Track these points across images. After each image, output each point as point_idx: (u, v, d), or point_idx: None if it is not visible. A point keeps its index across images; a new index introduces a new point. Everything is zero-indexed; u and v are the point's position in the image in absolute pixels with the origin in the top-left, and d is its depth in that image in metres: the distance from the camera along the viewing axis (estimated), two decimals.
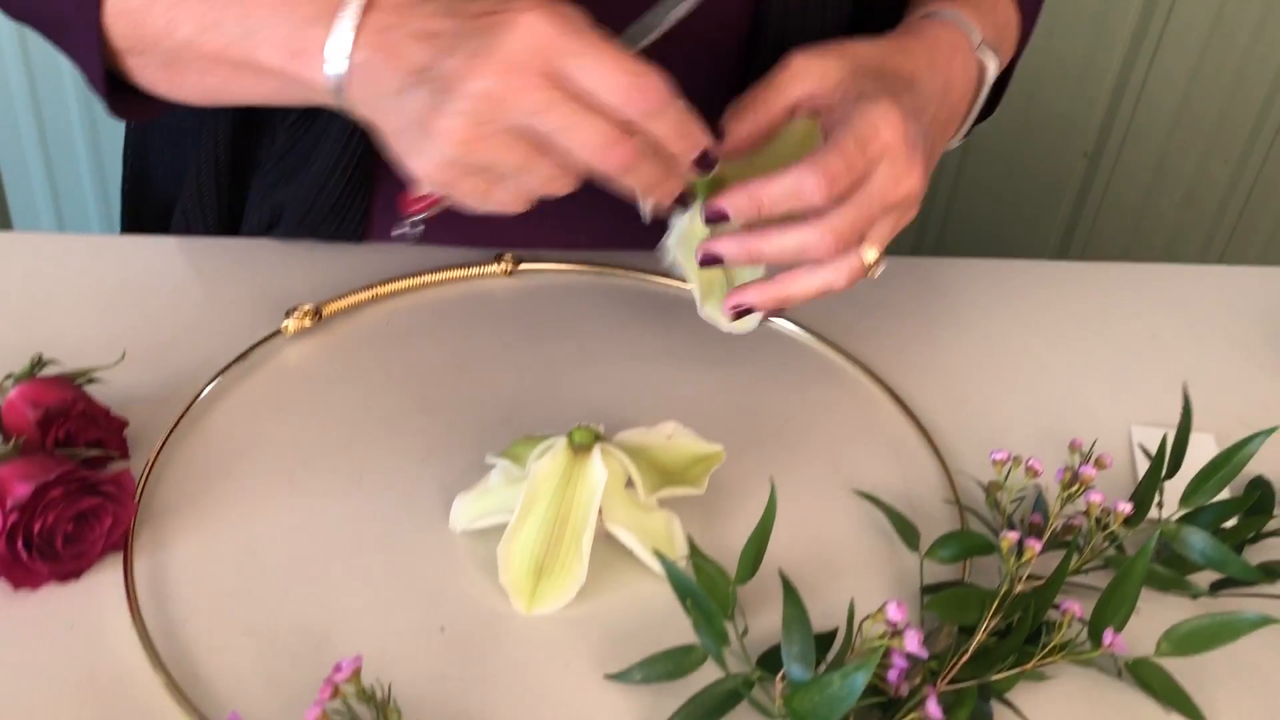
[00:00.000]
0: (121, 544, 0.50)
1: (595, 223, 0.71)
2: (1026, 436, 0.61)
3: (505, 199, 0.49)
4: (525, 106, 0.46)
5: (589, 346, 0.63)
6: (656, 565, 0.49)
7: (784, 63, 0.54)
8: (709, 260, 0.52)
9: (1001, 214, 1.60)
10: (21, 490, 0.46)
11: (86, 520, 0.48)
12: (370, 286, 0.65)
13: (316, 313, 0.62)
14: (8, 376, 0.52)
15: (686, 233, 0.54)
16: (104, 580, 0.49)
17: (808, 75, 0.54)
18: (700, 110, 0.52)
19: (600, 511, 0.50)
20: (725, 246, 0.52)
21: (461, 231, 0.67)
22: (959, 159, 1.53)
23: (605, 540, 0.51)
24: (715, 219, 0.51)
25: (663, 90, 0.46)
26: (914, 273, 0.72)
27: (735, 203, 0.50)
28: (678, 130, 0.48)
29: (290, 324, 0.62)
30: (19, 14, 0.60)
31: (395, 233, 0.54)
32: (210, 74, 0.55)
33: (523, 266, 0.68)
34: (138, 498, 0.51)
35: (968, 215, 1.59)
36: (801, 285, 0.53)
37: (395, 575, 0.51)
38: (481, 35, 0.46)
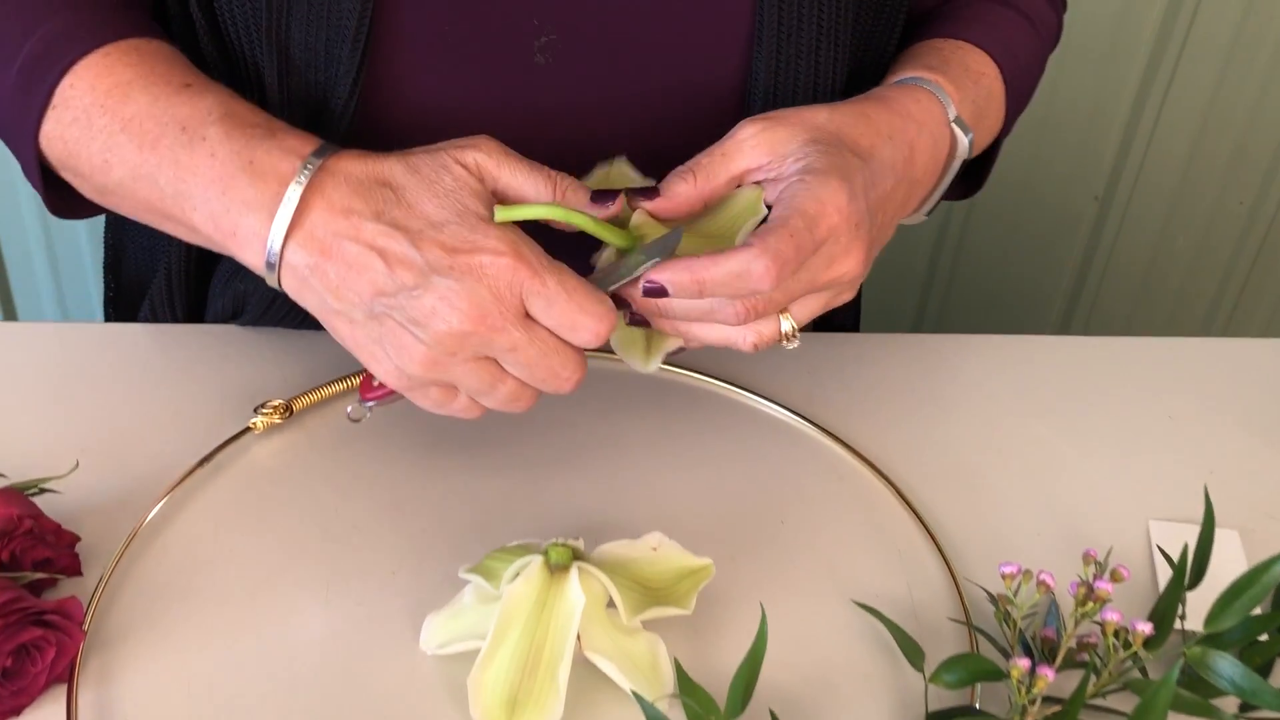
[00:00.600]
0: (66, 676, 0.46)
1: None
2: (1037, 534, 0.58)
3: (462, 409, 0.50)
4: (494, 346, 0.47)
5: (571, 441, 0.60)
6: (641, 692, 0.46)
7: (735, 130, 0.52)
8: (653, 290, 0.49)
9: (1005, 275, 1.57)
10: None
11: (28, 653, 0.45)
12: (344, 378, 0.62)
13: (287, 408, 0.59)
14: None
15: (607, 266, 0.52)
16: (47, 714, 0.46)
17: (758, 145, 0.51)
18: None
19: (579, 637, 0.46)
20: (664, 275, 0.49)
21: None
22: (963, 224, 1.50)
23: (585, 666, 0.47)
24: (653, 295, 0.49)
25: (609, 323, 0.48)
26: (916, 350, 0.69)
27: (676, 279, 0.48)
28: (618, 345, 0.52)
29: (260, 421, 0.59)
30: None
31: (350, 413, 0.54)
32: (142, 215, 0.54)
33: None
34: (86, 624, 0.48)
35: (970, 280, 1.56)
36: (706, 332, 0.51)
37: (362, 704, 0.47)
38: (453, 277, 0.46)
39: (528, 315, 0.47)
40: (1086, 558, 0.49)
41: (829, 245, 0.49)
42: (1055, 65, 1.39)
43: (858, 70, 0.65)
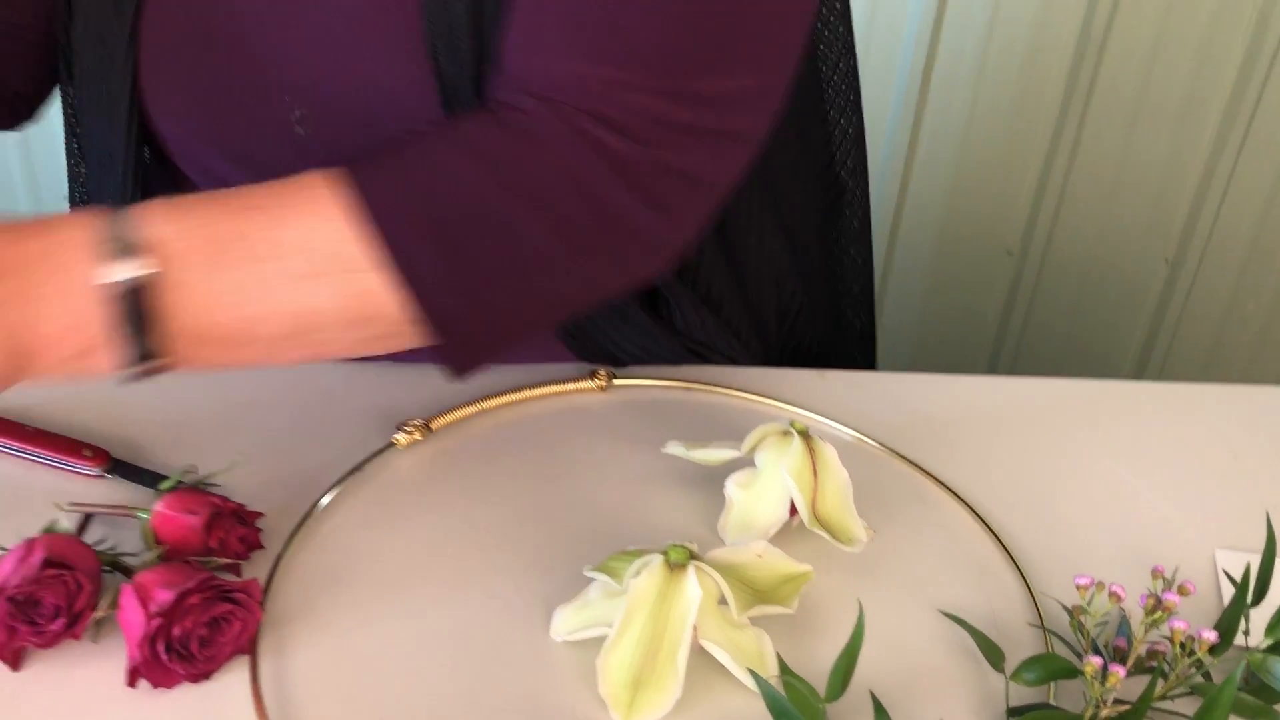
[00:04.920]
0: (248, 648, 0.53)
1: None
2: (1110, 559, 0.63)
3: None
4: None
5: (680, 462, 0.66)
6: (750, 681, 0.51)
7: None
8: None
9: (1078, 328, 1.61)
10: (164, 596, 0.50)
11: (219, 625, 0.52)
12: (475, 401, 0.69)
13: (426, 426, 0.66)
14: (163, 485, 0.57)
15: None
16: (231, 681, 0.52)
17: None
18: None
19: (695, 627, 0.52)
20: None
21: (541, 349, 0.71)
22: (1037, 272, 1.55)
23: (699, 655, 0.53)
24: None
25: None
26: (996, 392, 0.75)
27: None
28: None
29: (402, 437, 0.66)
30: None
31: None
32: None
33: (616, 382, 0.72)
34: (262, 603, 0.55)
35: (1043, 329, 1.60)
36: None
37: (498, 682, 0.54)
38: None
39: None
40: (1155, 573, 0.54)
41: None
42: (1127, 130, 1.45)
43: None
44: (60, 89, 0.75)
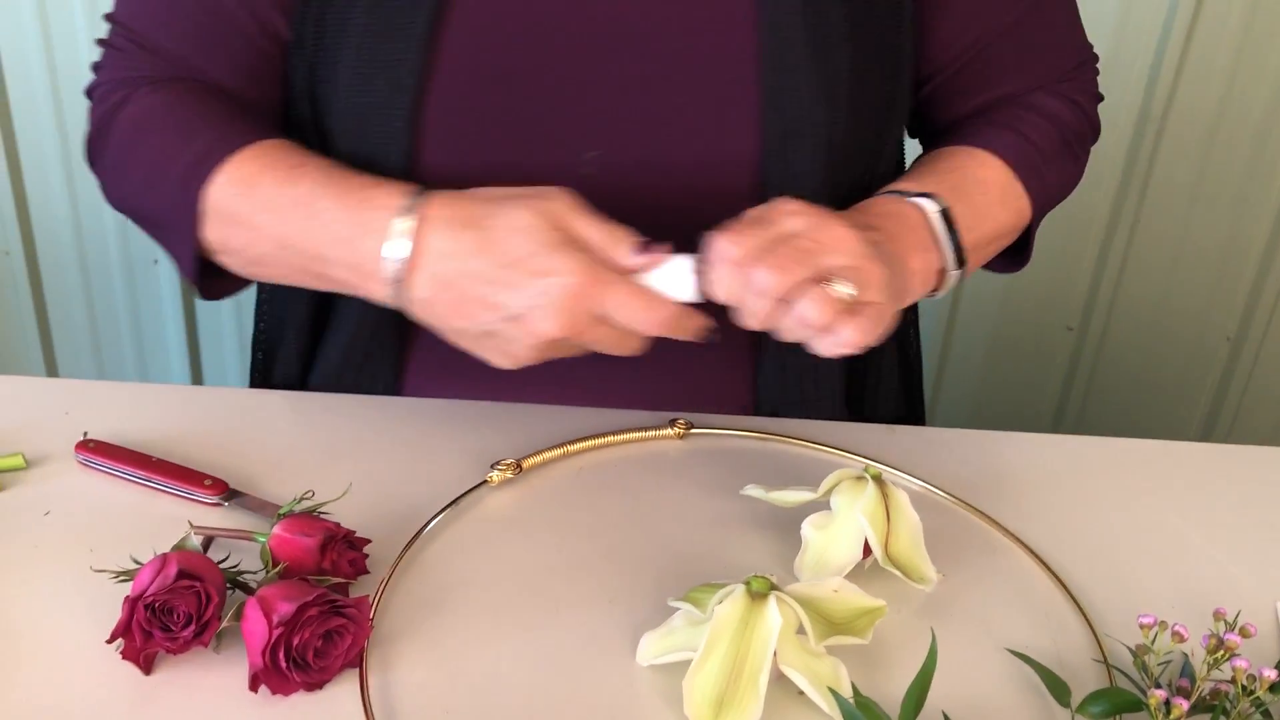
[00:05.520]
0: (358, 661, 0.57)
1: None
2: (1172, 606, 0.65)
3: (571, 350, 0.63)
4: (582, 340, 0.61)
5: (755, 505, 0.70)
6: (829, 705, 0.54)
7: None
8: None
9: (1139, 405, 1.62)
10: (286, 608, 0.54)
11: (332, 638, 0.56)
12: (562, 445, 0.73)
13: (517, 466, 0.71)
14: (283, 510, 0.62)
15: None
16: (342, 691, 0.56)
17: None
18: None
19: (775, 654, 0.55)
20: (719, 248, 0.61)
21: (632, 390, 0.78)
22: (1099, 341, 1.57)
23: (779, 680, 0.56)
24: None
25: (668, 312, 0.61)
26: (1060, 448, 0.77)
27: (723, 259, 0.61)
28: (680, 330, 0.62)
29: (495, 475, 0.70)
30: (125, 208, 0.75)
31: None
32: (290, 278, 0.69)
33: (694, 430, 0.76)
34: (371, 621, 0.59)
35: (1104, 405, 1.62)
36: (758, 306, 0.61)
37: (587, 702, 0.57)
38: (539, 299, 0.59)
39: (603, 317, 0.60)
40: (1217, 615, 0.56)
41: (794, 220, 0.61)
42: (1186, 209, 1.47)
43: (867, 163, 0.78)
44: (294, 109, 0.76)
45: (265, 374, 0.88)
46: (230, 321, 1.53)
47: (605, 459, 0.74)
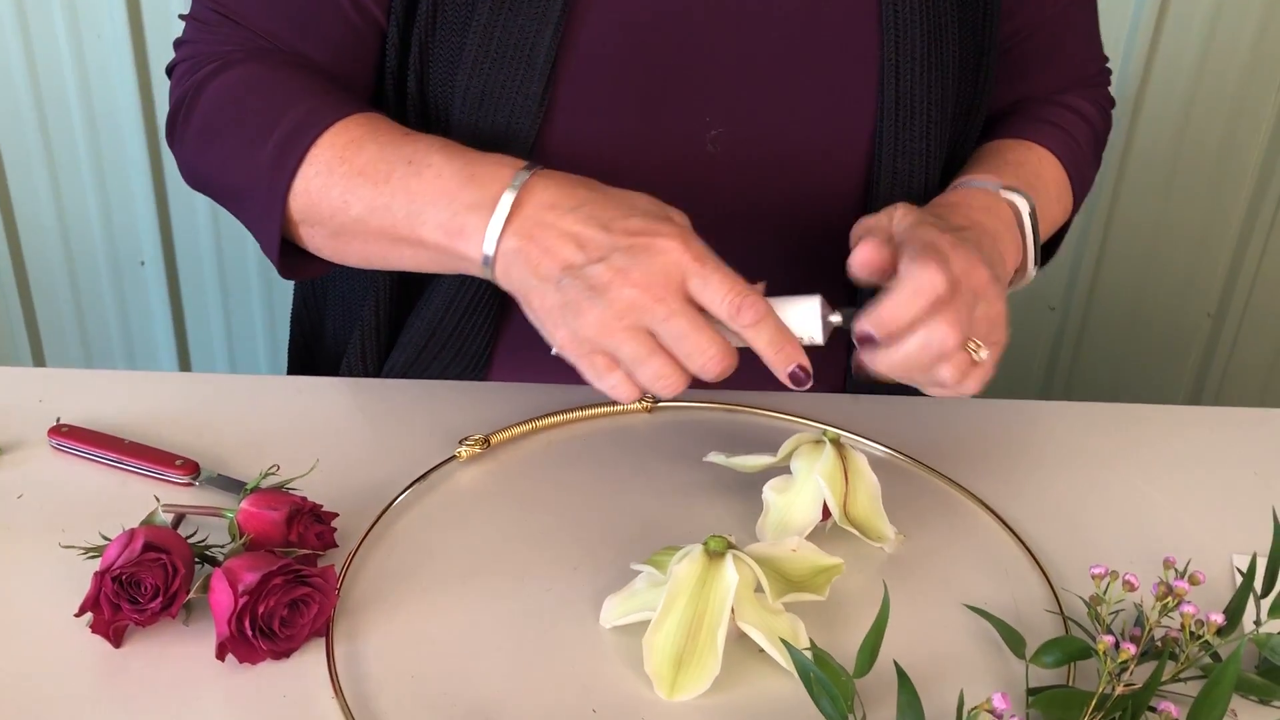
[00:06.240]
0: (324, 630, 0.58)
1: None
2: (1131, 563, 0.66)
3: (619, 382, 0.59)
4: (656, 315, 0.57)
5: (719, 473, 0.71)
6: (784, 659, 0.55)
7: (855, 227, 0.68)
8: (864, 339, 0.60)
9: (1121, 382, 1.63)
10: (250, 578, 0.55)
11: (298, 607, 0.57)
12: (530, 420, 0.74)
13: (486, 441, 0.72)
14: (249, 485, 0.63)
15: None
16: (309, 660, 0.57)
17: (873, 221, 0.66)
18: (819, 265, 0.63)
19: (733, 611, 0.56)
20: (876, 322, 0.59)
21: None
22: (1081, 320, 1.58)
23: (737, 638, 0.57)
24: (866, 341, 0.60)
25: (761, 309, 0.57)
26: (1023, 413, 0.78)
27: (875, 327, 0.59)
28: (772, 341, 0.58)
29: (463, 451, 0.71)
30: (208, 182, 0.73)
31: None
32: (373, 245, 0.67)
33: (661, 404, 0.77)
34: (338, 591, 0.60)
35: (1087, 384, 1.62)
36: (905, 356, 0.59)
37: (553, 664, 0.58)
38: (630, 253, 0.57)
39: (688, 297, 0.57)
40: (1167, 563, 0.57)
41: (957, 261, 0.60)
42: (1164, 192, 1.48)
43: (956, 141, 0.80)
44: (388, 88, 0.75)
45: (305, 354, 0.89)
46: (217, 314, 1.54)
47: (573, 434, 0.75)
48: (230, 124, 0.70)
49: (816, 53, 0.74)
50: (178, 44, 0.76)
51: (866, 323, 0.59)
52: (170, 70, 0.76)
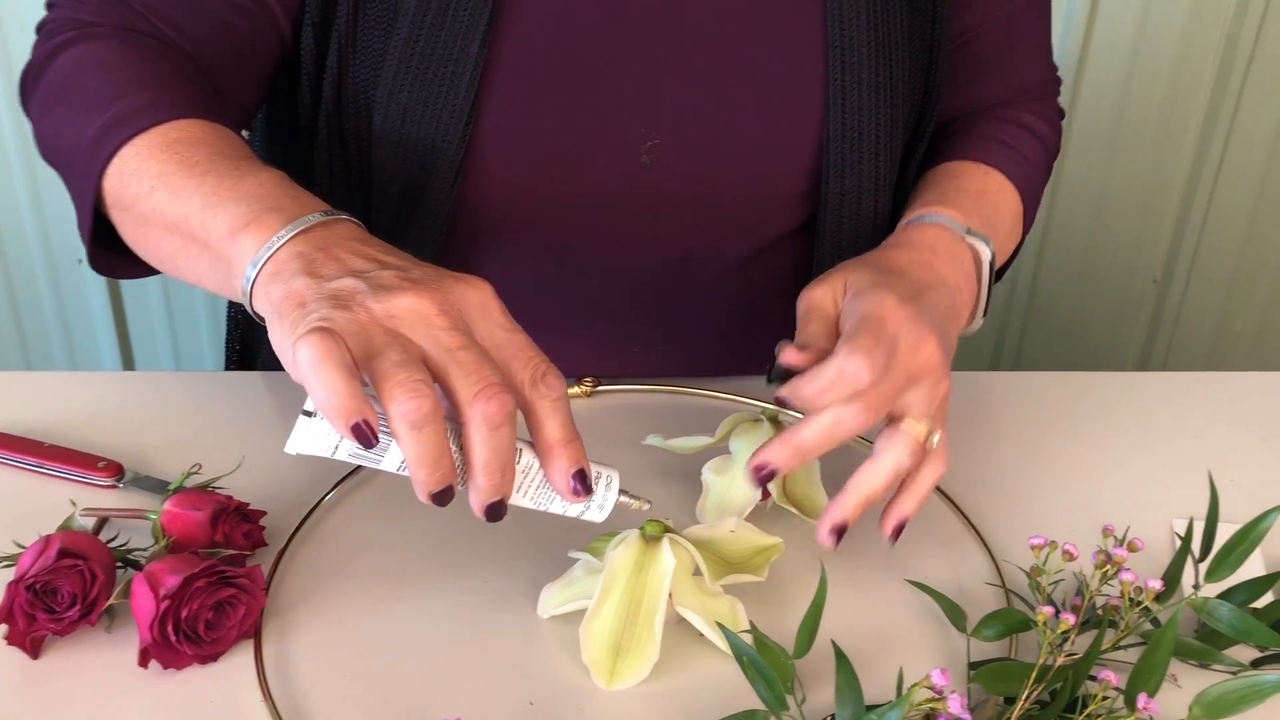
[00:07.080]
0: (252, 631, 0.57)
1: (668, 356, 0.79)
2: (1071, 531, 0.65)
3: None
4: (439, 327, 0.49)
5: (659, 456, 0.70)
6: (723, 643, 0.54)
7: (803, 301, 0.62)
8: (763, 475, 0.56)
9: (1070, 351, 1.64)
10: (171, 581, 0.54)
11: (224, 609, 0.55)
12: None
13: None
14: (171, 486, 0.61)
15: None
16: (238, 663, 0.56)
17: (824, 298, 0.61)
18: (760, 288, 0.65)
19: (670, 596, 0.55)
20: (774, 455, 0.56)
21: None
22: (1029, 290, 1.58)
23: (677, 623, 0.56)
24: (763, 480, 0.57)
25: (564, 389, 0.51)
26: (964, 385, 0.78)
27: (779, 455, 0.56)
28: (564, 426, 0.52)
29: None
30: (48, 155, 0.68)
31: None
32: (165, 239, 0.60)
33: (601, 388, 0.76)
34: (266, 590, 0.59)
35: (1037, 355, 1.63)
36: (869, 479, 0.58)
37: (489, 656, 0.57)
38: (435, 273, 0.50)
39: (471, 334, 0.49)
40: (1106, 531, 0.57)
41: (903, 337, 0.57)
42: (1106, 160, 1.48)
43: (906, 155, 0.77)
44: (308, 118, 0.71)
45: (242, 348, 0.86)
46: (160, 312, 1.51)
47: None
48: (70, 93, 0.65)
49: (759, 66, 0.71)
50: (49, 4, 0.71)
51: (785, 390, 0.57)
52: (39, 29, 0.71)
